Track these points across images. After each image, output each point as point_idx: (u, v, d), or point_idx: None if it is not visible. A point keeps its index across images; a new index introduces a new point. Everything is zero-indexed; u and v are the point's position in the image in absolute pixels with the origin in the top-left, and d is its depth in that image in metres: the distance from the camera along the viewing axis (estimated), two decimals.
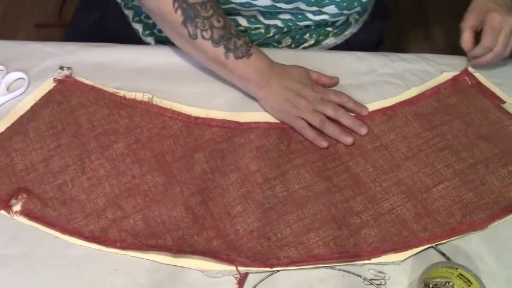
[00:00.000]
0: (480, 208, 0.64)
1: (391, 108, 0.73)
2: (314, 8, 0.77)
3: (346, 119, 0.70)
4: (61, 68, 0.74)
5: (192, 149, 0.68)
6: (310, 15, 0.79)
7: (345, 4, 0.76)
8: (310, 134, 0.69)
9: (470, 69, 0.76)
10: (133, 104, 0.71)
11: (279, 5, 0.75)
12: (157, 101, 0.72)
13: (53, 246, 0.61)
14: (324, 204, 0.64)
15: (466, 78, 0.76)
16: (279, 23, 0.80)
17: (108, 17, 0.87)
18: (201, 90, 0.74)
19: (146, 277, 0.59)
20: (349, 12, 0.79)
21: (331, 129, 0.69)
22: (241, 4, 0.75)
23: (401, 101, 0.74)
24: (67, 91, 0.72)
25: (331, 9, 0.76)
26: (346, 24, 0.86)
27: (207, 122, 0.71)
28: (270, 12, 0.79)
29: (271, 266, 0.60)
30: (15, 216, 0.63)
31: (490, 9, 0.72)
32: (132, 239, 0.61)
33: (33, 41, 0.79)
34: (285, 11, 0.78)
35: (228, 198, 0.65)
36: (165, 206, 0.64)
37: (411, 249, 0.61)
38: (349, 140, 0.68)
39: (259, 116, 0.72)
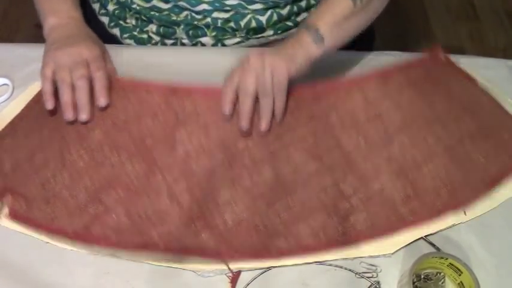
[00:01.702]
0: (467, 186, 0.64)
1: (385, 73, 0.69)
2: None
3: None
4: None
5: (172, 127, 0.63)
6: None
7: None
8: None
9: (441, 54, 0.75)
10: (109, 84, 0.65)
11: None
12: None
13: (43, 251, 0.61)
14: (314, 189, 0.62)
15: (441, 57, 0.74)
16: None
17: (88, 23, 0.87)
18: None
19: (138, 279, 0.59)
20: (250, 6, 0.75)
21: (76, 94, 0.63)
22: None
23: (393, 68, 0.70)
24: None
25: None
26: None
27: (187, 92, 0.65)
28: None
29: (262, 257, 0.59)
30: (3, 219, 0.62)
31: None
32: (116, 237, 0.59)
33: (17, 43, 0.79)
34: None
35: (215, 182, 0.61)
36: (148, 198, 0.60)
37: (399, 233, 0.61)
38: (82, 116, 0.63)
39: None
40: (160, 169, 0.61)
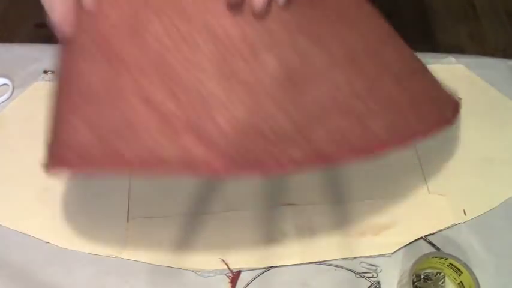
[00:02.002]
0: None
1: None
2: None
3: None
4: (45, 72, 0.74)
5: (142, 18, 0.46)
6: None
7: None
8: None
9: None
10: None
11: None
12: None
13: (43, 251, 0.61)
14: (326, 85, 0.51)
15: None
16: None
17: None
18: None
19: (138, 279, 0.59)
20: None
21: None
22: None
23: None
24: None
25: None
26: None
27: None
28: None
29: (268, 169, 0.47)
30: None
31: None
32: (86, 164, 0.46)
33: (17, 43, 0.79)
34: None
35: (203, 79, 0.46)
36: (114, 107, 0.46)
37: (411, 141, 0.56)
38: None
39: None
40: (128, 68, 0.46)
